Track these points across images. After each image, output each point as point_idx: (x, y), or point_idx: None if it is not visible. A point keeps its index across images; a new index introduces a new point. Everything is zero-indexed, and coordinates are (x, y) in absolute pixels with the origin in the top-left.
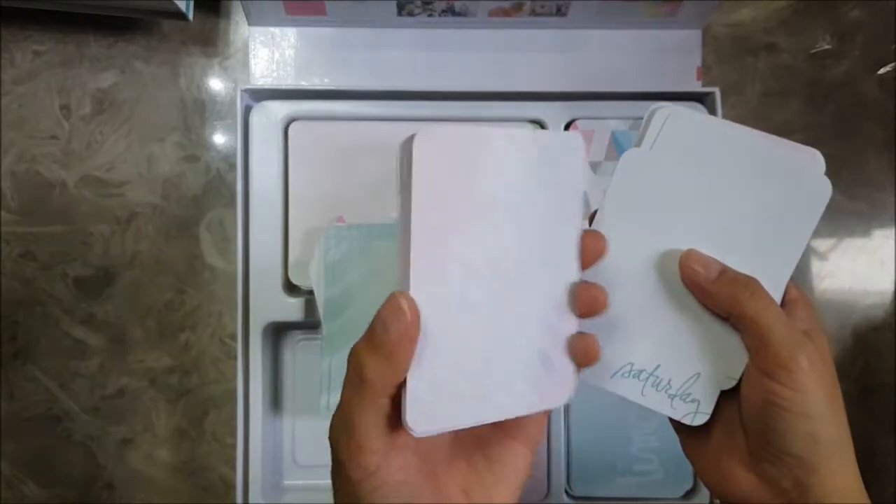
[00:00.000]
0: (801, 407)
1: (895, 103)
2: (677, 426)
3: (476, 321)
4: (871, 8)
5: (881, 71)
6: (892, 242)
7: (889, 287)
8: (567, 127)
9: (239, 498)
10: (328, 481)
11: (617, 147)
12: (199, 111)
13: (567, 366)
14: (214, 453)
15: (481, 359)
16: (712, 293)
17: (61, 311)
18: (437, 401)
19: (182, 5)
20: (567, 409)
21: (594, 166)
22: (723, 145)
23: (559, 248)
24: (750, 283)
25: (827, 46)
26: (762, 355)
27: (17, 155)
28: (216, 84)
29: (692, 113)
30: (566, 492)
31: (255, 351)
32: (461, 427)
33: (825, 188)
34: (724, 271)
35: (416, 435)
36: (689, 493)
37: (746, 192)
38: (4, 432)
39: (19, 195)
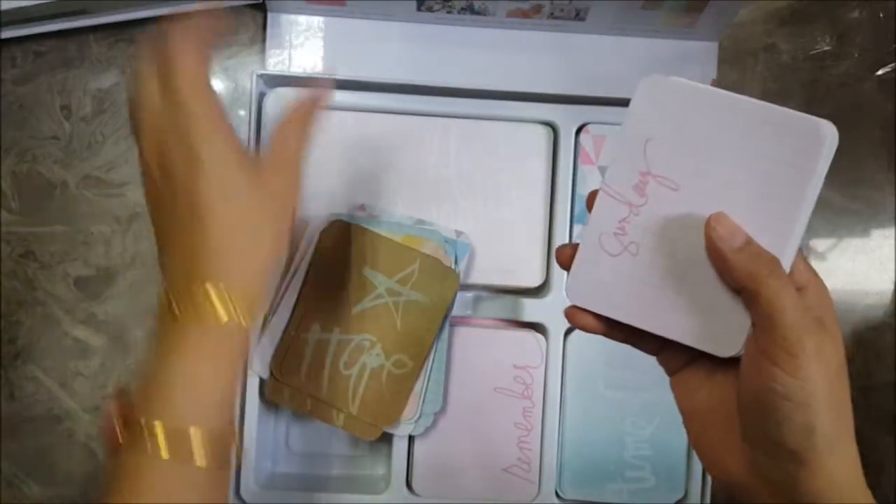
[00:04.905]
0: (801, 396)
1: (894, 104)
2: (679, 396)
3: (666, 246)
4: (871, 9)
5: (880, 72)
6: (891, 242)
7: (888, 287)
8: (579, 131)
9: (231, 484)
10: (323, 471)
11: None
12: None
13: (742, 320)
14: None
15: (667, 276)
16: (732, 263)
17: (62, 311)
18: (602, 286)
19: None
20: (562, 410)
21: (603, 171)
22: (714, 111)
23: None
24: (772, 262)
25: (826, 47)
26: (768, 337)
27: (18, 155)
28: (217, 85)
29: (678, 80)
30: (557, 493)
31: (253, 341)
32: (614, 317)
33: (821, 145)
34: (749, 243)
35: (573, 302)
36: (680, 503)
37: (740, 159)
38: (5, 432)
39: (20, 195)
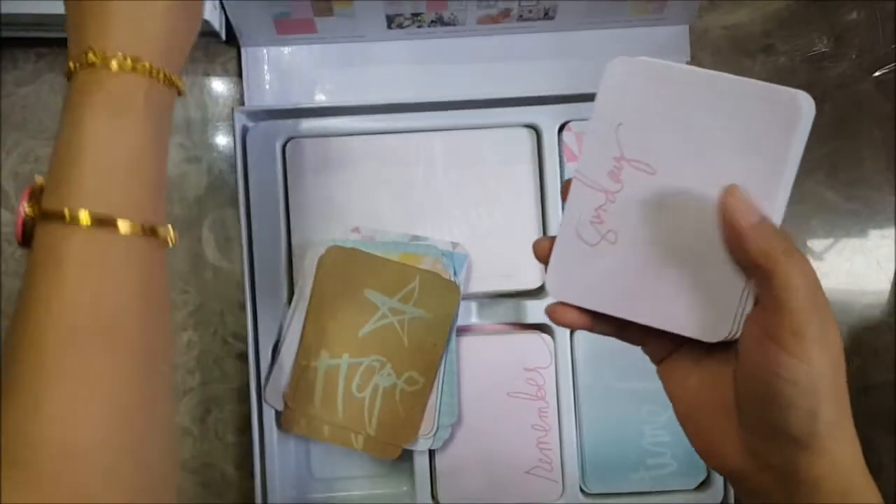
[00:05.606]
0: (807, 380)
1: (892, 105)
2: (668, 385)
3: (645, 232)
4: (869, 10)
5: (878, 73)
6: (890, 242)
7: (886, 287)
8: (561, 129)
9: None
10: (348, 494)
11: None
12: (201, 112)
13: (728, 304)
14: (216, 451)
15: (649, 262)
16: (748, 239)
17: None
18: (581, 278)
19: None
20: (577, 406)
21: None
22: (686, 88)
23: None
24: (786, 240)
25: (824, 48)
26: (776, 318)
27: (20, 156)
28: (218, 86)
29: (646, 60)
30: (581, 490)
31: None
32: (596, 309)
33: (798, 115)
34: (764, 219)
35: (554, 296)
36: (703, 484)
37: (716, 136)
38: None
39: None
